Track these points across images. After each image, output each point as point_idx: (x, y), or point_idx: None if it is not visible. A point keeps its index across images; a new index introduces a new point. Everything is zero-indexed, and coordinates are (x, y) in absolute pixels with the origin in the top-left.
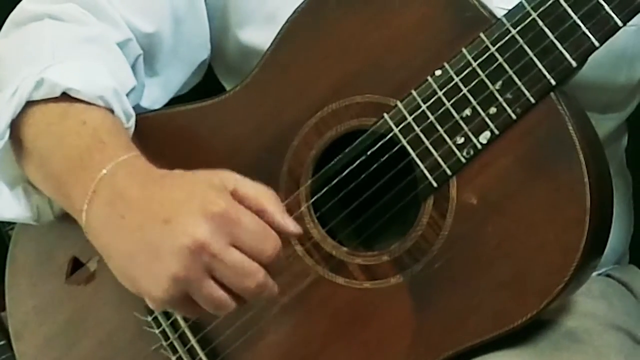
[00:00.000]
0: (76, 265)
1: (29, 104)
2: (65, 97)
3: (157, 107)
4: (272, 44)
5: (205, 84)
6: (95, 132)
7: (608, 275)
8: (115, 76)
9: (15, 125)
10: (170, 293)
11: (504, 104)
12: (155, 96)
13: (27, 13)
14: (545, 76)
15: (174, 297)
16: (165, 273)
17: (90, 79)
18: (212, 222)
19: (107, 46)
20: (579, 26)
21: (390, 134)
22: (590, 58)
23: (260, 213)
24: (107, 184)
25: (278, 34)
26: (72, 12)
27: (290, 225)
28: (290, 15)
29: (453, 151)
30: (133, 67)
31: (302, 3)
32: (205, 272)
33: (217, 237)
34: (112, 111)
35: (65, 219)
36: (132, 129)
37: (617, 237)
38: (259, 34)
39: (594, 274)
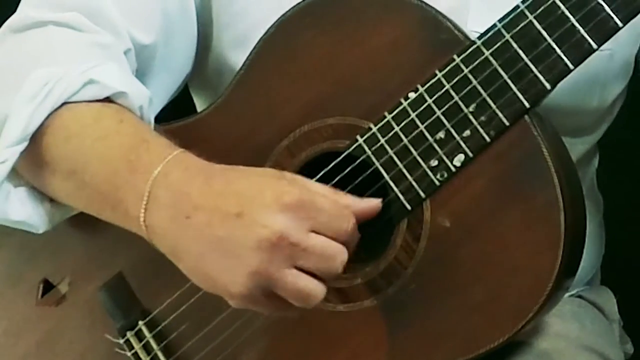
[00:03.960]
0: (47, 287)
1: (59, 106)
2: (100, 100)
3: None
4: (243, 64)
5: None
6: (135, 131)
7: (580, 297)
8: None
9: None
10: (250, 288)
11: (478, 127)
12: None
13: (29, 20)
14: (519, 99)
15: (255, 292)
16: (245, 268)
17: (133, 84)
18: (288, 211)
19: (119, 54)
20: (554, 49)
21: (364, 157)
22: (564, 83)
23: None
24: (161, 184)
25: (250, 54)
26: (77, 19)
27: (368, 201)
28: (262, 36)
29: (427, 174)
30: None
31: (273, 24)
32: (287, 263)
33: (295, 225)
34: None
35: (36, 240)
36: None
37: (588, 259)
38: (231, 54)
39: (566, 295)
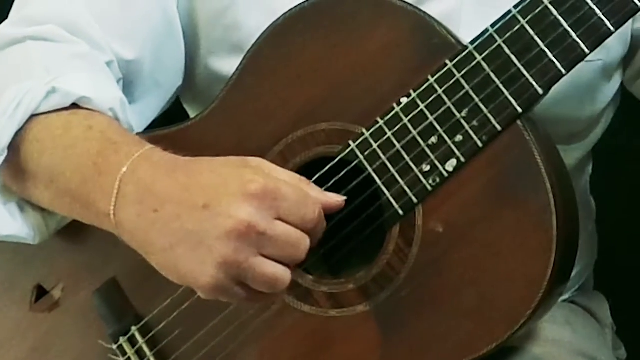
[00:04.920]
0: (40, 292)
1: (30, 119)
2: (68, 107)
3: None
4: (236, 70)
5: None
6: (103, 135)
7: (572, 302)
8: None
9: (13, 143)
10: (219, 278)
11: (470, 132)
12: (133, 124)
13: (7, 38)
14: (511, 104)
15: (224, 282)
16: (213, 258)
17: (101, 88)
18: (253, 200)
19: (98, 63)
20: (546, 54)
21: (356, 162)
22: (556, 93)
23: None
24: (129, 181)
25: (242, 60)
26: (54, 31)
27: (333, 196)
28: (255, 42)
29: (419, 179)
30: None
31: (265, 30)
32: (254, 252)
33: (261, 214)
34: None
35: (29, 246)
36: None
37: (581, 264)
38: (226, 62)
39: (559, 300)
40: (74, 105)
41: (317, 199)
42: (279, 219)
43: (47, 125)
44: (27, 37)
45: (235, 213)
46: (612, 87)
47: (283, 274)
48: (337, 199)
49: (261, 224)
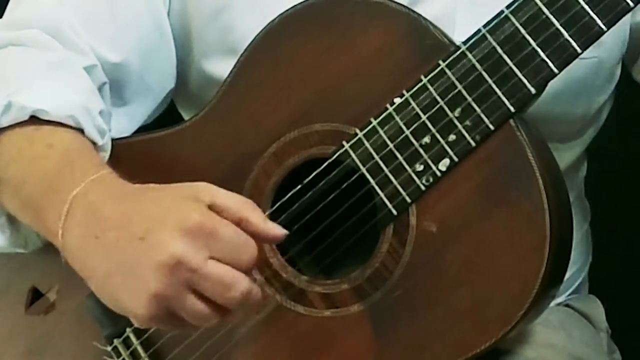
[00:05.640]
0: (36, 295)
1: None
2: (33, 120)
3: None
4: (230, 72)
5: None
6: (63, 154)
7: (567, 305)
8: (85, 95)
9: None
10: (152, 310)
11: (463, 131)
12: (122, 127)
13: None
14: (504, 103)
15: (157, 313)
16: (145, 291)
17: (59, 98)
18: (188, 236)
19: (74, 70)
20: (538, 53)
21: (349, 162)
22: (551, 91)
23: (240, 222)
24: (79, 204)
25: (236, 63)
26: (36, 37)
27: (274, 228)
28: (248, 45)
29: (412, 179)
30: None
31: (259, 33)
32: (185, 288)
33: (194, 251)
34: (82, 131)
35: None
36: (109, 145)
37: (575, 267)
38: (220, 65)
39: (553, 303)
40: (35, 118)
41: (256, 228)
42: (215, 258)
43: (12, 139)
44: (9, 42)
45: (168, 247)
46: (607, 85)
47: (211, 314)
48: (278, 231)
49: (192, 261)
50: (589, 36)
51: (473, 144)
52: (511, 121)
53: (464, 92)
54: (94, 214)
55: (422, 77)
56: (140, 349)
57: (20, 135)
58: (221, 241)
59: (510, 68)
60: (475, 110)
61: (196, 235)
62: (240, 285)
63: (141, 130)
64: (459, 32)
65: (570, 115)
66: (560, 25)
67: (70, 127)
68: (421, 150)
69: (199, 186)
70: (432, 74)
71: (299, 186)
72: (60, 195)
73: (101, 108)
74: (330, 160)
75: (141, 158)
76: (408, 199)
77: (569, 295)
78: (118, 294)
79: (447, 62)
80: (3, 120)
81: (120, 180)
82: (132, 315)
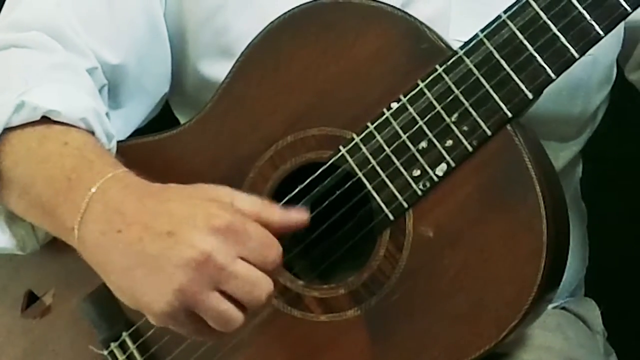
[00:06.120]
0: (31, 298)
1: (6, 131)
2: (43, 121)
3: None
4: (227, 76)
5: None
6: (79, 152)
7: (563, 308)
8: (93, 98)
9: None
10: (173, 306)
11: (460, 136)
12: (117, 129)
13: None
14: (501, 108)
15: (177, 311)
16: (170, 286)
17: (71, 100)
18: (218, 234)
19: (77, 72)
20: (536, 58)
21: (346, 166)
22: (547, 90)
23: (261, 222)
24: (98, 200)
25: (233, 66)
26: (38, 39)
27: (296, 214)
28: (245, 48)
29: (409, 184)
30: None
31: (257, 36)
32: (210, 285)
33: (223, 249)
34: (92, 133)
35: None
36: (114, 150)
37: (572, 269)
38: (215, 66)
39: (550, 306)
40: (47, 118)
41: (280, 222)
42: (241, 257)
43: (22, 138)
44: (11, 44)
45: (197, 243)
46: (604, 84)
47: (236, 314)
48: (301, 215)
49: (221, 258)
50: (587, 41)
51: (470, 149)
52: (508, 126)
53: (461, 97)
54: (116, 210)
55: (419, 81)
56: (136, 353)
57: (30, 134)
58: (249, 241)
59: (508, 73)
60: (472, 116)
61: (226, 234)
62: (266, 285)
63: (135, 133)
64: (454, 29)
65: (567, 115)
66: (558, 30)
67: (81, 128)
68: (418, 155)
69: (218, 188)
70: (429, 79)
71: (296, 190)
72: (77, 192)
73: (105, 111)
74: (327, 165)
75: (140, 161)
76: (405, 204)
77: (566, 298)
78: (138, 289)
79: (444, 67)
80: (14, 119)
81: (139, 178)
82: (150, 312)
